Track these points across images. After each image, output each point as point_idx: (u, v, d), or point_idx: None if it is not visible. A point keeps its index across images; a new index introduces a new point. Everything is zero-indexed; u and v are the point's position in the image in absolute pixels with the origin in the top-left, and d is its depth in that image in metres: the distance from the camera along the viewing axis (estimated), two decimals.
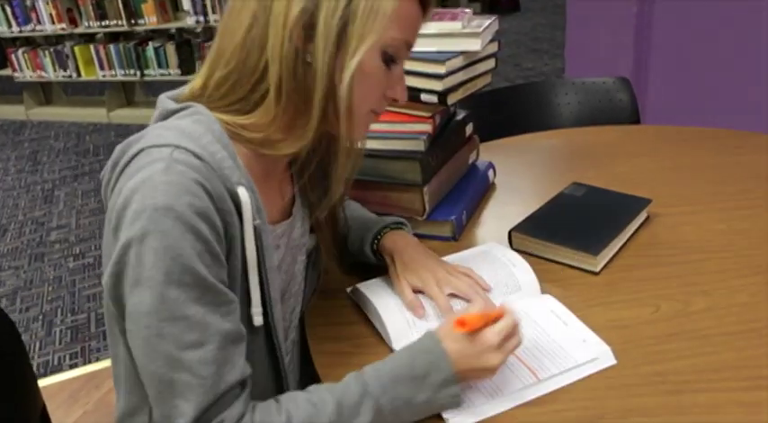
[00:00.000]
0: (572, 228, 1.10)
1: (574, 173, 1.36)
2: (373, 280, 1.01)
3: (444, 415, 0.78)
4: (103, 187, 0.78)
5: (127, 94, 4.58)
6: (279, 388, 0.86)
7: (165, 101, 0.81)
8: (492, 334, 0.77)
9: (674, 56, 2.49)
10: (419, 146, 1.11)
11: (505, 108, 1.77)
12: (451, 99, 1.10)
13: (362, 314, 0.98)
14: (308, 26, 0.75)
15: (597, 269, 1.03)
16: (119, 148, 0.77)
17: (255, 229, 0.76)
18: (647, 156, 1.41)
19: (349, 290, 1.03)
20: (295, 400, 0.75)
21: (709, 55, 2.38)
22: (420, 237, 1.16)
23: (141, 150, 0.73)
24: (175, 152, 0.71)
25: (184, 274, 0.68)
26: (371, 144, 1.10)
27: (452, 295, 0.93)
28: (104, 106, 4.43)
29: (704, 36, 2.38)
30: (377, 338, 0.93)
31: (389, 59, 0.80)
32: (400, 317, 0.92)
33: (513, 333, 0.79)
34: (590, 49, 2.73)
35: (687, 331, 0.90)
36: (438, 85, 1.08)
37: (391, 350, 0.89)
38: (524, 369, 0.83)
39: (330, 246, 0.97)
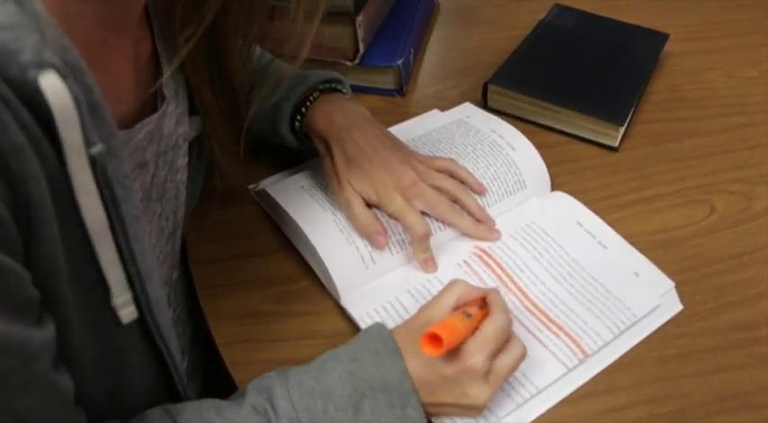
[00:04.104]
0: (573, 79, 0.71)
1: None
2: (292, 177, 0.59)
3: None
4: None
5: None
6: (173, 391, 0.46)
7: None
8: (474, 351, 0.42)
9: None
10: None
11: None
12: None
13: (282, 236, 0.58)
14: None
15: (617, 143, 0.67)
16: None
17: (97, 162, 0.30)
18: None
19: (253, 188, 0.61)
20: None
21: None
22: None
23: None
24: None
25: None
26: None
27: (424, 213, 0.54)
28: None
29: None
30: (311, 282, 0.54)
31: None
32: (349, 251, 0.52)
33: (504, 345, 0.44)
34: None
35: (762, 247, 0.58)
36: None
37: (341, 310, 0.52)
38: (561, 339, 0.49)
39: (224, 135, 0.50)
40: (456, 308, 0.44)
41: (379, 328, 0.44)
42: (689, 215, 0.61)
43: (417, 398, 0.42)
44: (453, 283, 0.46)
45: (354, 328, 0.50)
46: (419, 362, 0.42)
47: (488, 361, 0.42)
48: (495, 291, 0.46)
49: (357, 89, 0.73)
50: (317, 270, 0.53)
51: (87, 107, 0.30)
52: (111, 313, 0.34)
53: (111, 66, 0.38)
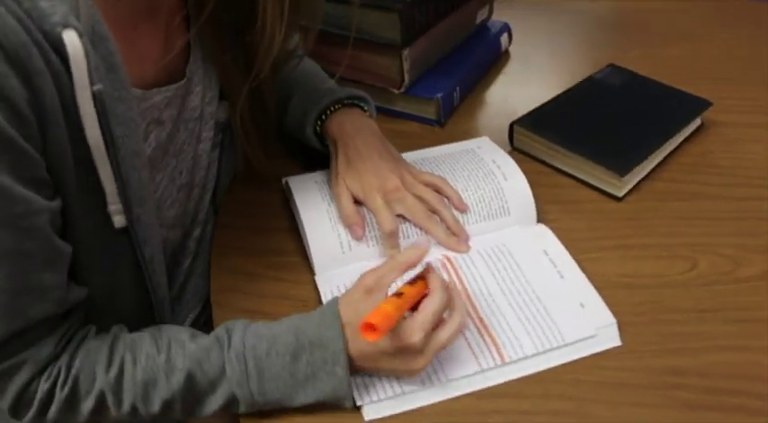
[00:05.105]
0: (597, 130, 0.75)
1: (612, 49, 0.98)
2: (313, 174, 0.70)
3: (359, 401, 0.51)
4: None
5: None
6: (151, 311, 0.58)
7: None
8: (413, 331, 0.48)
9: None
10: None
11: None
12: None
13: (292, 219, 0.68)
14: None
15: (621, 194, 0.70)
16: None
17: (96, 96, 0.44)
18: (710, 38, 1.01)
19: (284, 182, 0.72)
20: (135, 351, 0.49)
21: None
22: (395, 115, 0.83)
23: None
24: None
25: None
26: None
27: (403, 217, 0.62)
28: None
29: None
30: (301, 259, 0.64)
31: None
32: (331, 237, 0.62)
33: (439, 317, 0.50)
34: None
35: (730, 308, 0.59)
36: None
37: (315, 284, 0.61)
38: (486, 343, 0.54)
39: (246, 122, 0.64)
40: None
41: (333, 300, 0.53)
42: (666, 267, 0.63)
43: (347, 358, 0.49)
44: (393, 259, 0.52)
45: (320, 298, 0.59)
46: (361, 348, 0.48)
47: (425, 339, 0.48)
48: (431, 269, 0.52)
49: (402, 115, 0.83)
50: (306, 248, 0.63)
51: (105, 64, 0.43)
52: (107, 217, 0.48)
53: (140, 43, 0.52)
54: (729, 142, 0.79)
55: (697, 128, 0.80)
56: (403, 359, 0.49)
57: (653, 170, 0.74)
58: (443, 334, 0.50)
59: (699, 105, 0.79)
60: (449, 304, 0.51)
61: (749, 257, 0.64)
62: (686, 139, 0.79)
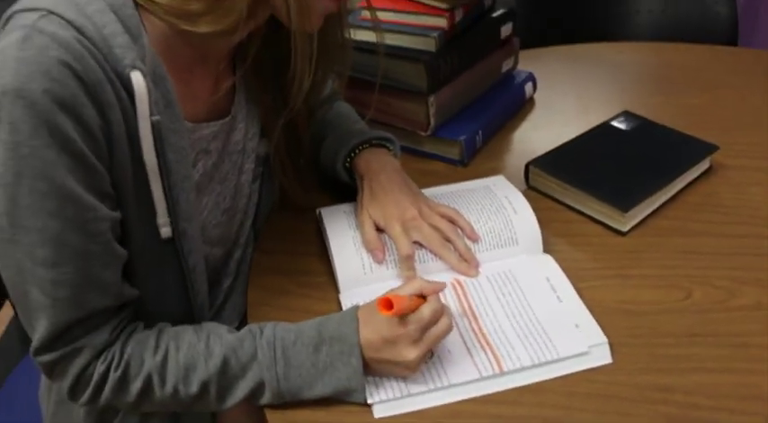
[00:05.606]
0: (605, 171, 0.82)
1: (632, 97, 1.05)
2: (343, 205, 0.79)
3: (369, 400, 0.58)
4: None
5: None
6: (191, 314, 0.67)
7: None
8: (410, 322, 0.57)
9: None
10: (429, 45, 0.84)
11: (567, 10, 1.41)
12: None
13: (323, 244, 0.77)
14: None
15: (625, 229, 0.76)
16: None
17: (154, 126, 0.54)
18: (732, 88, 1.06)
19: (318, 211, 0.81)
20: (178, 340, 0.58)
21: None
22: (423, 155, 0.92)
23: (13, 14, 0.52)
24: (43, 20, 0.50)
25: (37, 180, 0.50)
26: (373, 37, 0.83)
27: (420, 244, 0.70)
28: None
29: None
30: (328, 279, 0.72)
31: None
32: (355, 259, 0.70)
33: (434, 320, 0.58)
34: None
35: (721, 333, 0.64)
36: None
37: (339, 301, 0.69)
38: (486, 354, 0.61)
39: (283, 156, 0.74)
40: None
41: (354, 307, 0.61)
42: (663, 295, 0.68)
43: (360, 351, 0.57)
44: (414, 280, 0.61)
45: None
46: (370, 328, 0.58)
47: (420, 330, 0.57)
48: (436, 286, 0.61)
49: (428, 155, 0.92)
50: (333, 269, 0.71)
51: (164, 100, 0.54)
52: (156, 228, 0.57)
53: (193, 84, 0.63)
54: (735, 184, 0.84)
55: (706, 170, 0.86)
56: (400, 349, 0.56)
57: (659, 208, 0.80)
58: (434, 330, 0.58)
59: (706, 149, 0.85)
60: (442, 311, 0.59)
61: (743, 289, 0.68)
62: (694, 181, 0.84)
